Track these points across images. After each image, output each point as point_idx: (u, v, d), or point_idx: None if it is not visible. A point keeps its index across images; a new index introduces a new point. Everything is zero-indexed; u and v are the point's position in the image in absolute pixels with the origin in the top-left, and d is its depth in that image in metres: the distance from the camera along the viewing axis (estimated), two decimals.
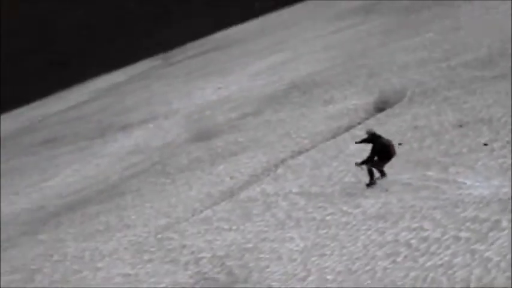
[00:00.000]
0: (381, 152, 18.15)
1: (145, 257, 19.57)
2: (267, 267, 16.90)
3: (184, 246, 19.34)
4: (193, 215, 21.47)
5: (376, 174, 18.74)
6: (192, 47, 46.13)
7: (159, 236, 20.71)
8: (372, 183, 18.60)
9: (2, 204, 29.15)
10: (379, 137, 18.29)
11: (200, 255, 18.56)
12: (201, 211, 21.52)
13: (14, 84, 50.14)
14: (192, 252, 18.86)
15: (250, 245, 18.16)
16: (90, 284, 19.30)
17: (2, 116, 46.09)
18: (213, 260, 18.14)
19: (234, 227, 19.41)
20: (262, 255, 17.48)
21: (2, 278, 21.72)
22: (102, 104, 39.59)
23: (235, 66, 37.39)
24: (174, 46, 47.54)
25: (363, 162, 18.43)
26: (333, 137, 23.92)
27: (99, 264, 20.19)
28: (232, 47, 42.14)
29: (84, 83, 47.20)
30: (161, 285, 17.91)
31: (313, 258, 16.51)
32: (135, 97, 38.39)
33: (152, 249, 19.92)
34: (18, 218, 27.10)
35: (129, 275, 18.94)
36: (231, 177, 23.25)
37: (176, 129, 31.10)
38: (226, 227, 19.63)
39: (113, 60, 48.52)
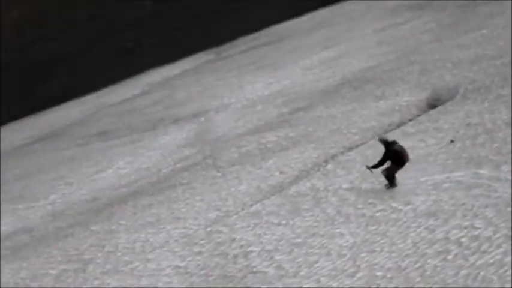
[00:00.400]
0: (394, 158, 18.78)
1: (195, 249, 19.73)
2: (316, 262, 16.92)
3: (233, 240, 19.45)
4: (243, 209, 21.56)
5: (385, 181, 19.10)
6: (245, 42, 46.17)
7: (209, 229, 20.85)
8: (393, 185, 18.99)
9: (56, 194, 29.61)
10: (393, 143, 18.93)
11: (249, 249, 18.65)
12: (251, 205, 21.61)
13: (70, 77, 50.80)
14: (241, 246, 18.96)
15: (299, 240, 18.19)
16: (140, 275, 19.52)
17: (58, 107, 46.73)
18: (262, 253, 18.21)
19: (284, 222, 19.45)
20: (311, 250, 17.50)
21: (55, 267, 22.09)
22: (155, 97, 39.88)
23: (287, 61, 37.33)
24: (226, 40, 47.61)
25: (373, 166, 19.07)
26: (384, 133, 23.77)
27: (150, 256, 20.41)
28: (285, 42, 42.07)
29: (137, 76, 47.58)
30: (211, 278, 18.04)
31: (362, 255, 16.48)
32: (188, 91, 38.58)
33: (202, 241, 20.07)
34: (72, 208, 27.50)
35: (179, 267, 19.13)
36: (281, 172, 23.28)
37: (227, 123, 31.21)
38: (275, 221, 19.68)
39: (166, 53, 48.82)
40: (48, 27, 58.11)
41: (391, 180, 18.99)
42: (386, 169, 18.94)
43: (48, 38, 56.60)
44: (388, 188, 19.08)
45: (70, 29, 56.59)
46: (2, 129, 46.43)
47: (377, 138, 19.63)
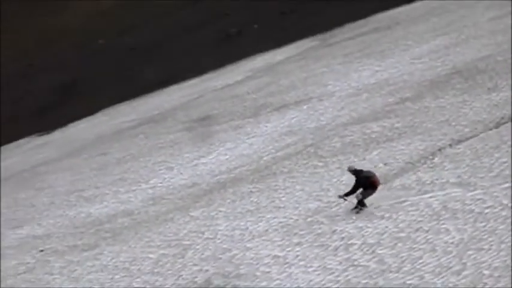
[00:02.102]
0: (365, 184, 19.30)
1: (295, 239, 19.41)
2: (420, 258, 16.43)
3: (334, 232, 19.05)
4: (344, 201, 21.09)
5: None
6: (352, 28, 45.44)
7: (309, 219, 20.50)
8: (361, 207, 19.51)
9: (157, 178, 29.68)
10: (361, 171, 19.54)
11: (350, 242, 18.23)
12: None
13: (170, 62, 51.07)
14: (342, 238, 18.55)
15: (402, 235, 17.68)
16: (239, 263, 19.32)
17: (161, 91, 47.07)
18: (363, 247, 17.76)
19: (387, 215, 18.94)
20: (415, 246, 16.98)
21: (154, 251, 22.16)
22: (258, 83, 39.64)
23: (395, 49, 36.47)
24: (333, 26, 46.93)
25: (346, 194, 19.48)
26: (496, 126, 22.90)
27: (249, 244, 20.19)
28: (394, 29, 41.15)
29: (240, 62, 47.47)
30: (310, 269, 17.68)
31: (469, 252, 15.91)
32: (291, 78, 38.17)
33: (302, 232, 19.72)
34: (172, 193, 27.56)
35: (278, 256, 18.85)
36: (385, 164, 22.72)
37: (331, 111, 30.70)
38: (378, 214, 19.18)
39: (270, 39, 48.52)
40: (148, 11, 58.61)
41: (362, 203, 19.52)
42: (361, 194, 19.41)
43: (149, 23, 57.08)
44: (356, 209, 19.50)
45: (171, 13, 56.87)
46: (102, 112, 47.16)
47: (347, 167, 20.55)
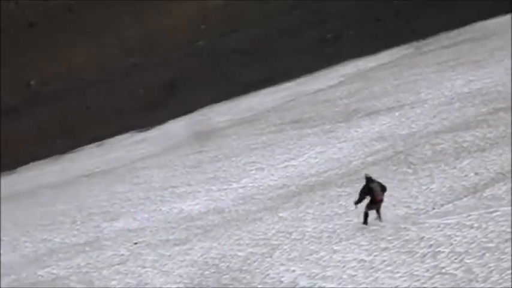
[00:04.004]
0: (368, 195, 19.94)
1: (382, 245, 19.51)
2: (508, 269, 16.31)
3: (422, 239, 19.08)
4: (433, 208, 21.13)
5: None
6: (447, 37, 45.09)
7: (397, 225, 20.57)
8: (365, 223, 20.21)
9: (248, 178, 30.20)
10: (373, 181, 19.87)
11: (438, 249, 18.23)
12: (442, 205, 21.13)
13: (268, 64, 51.50)
14: (430, 246, 18.57)
15: (491, 245, 17.58)
16: (325, 265, 19.56)
17: (256, 93, 47.53)
18: (451, 255, 17.76)
19: (476, 225, 18.87)
20: (503, 257, 16.88)
21: (243, 249, 22.53)
22: (350, 89, 39.74)
23: (490, 59, 36.08)
24: (428, 35, 46.64)
25: (357, 202, 20.34)
26: None
27: (336, 247, 20.39)
28: (490, 39, 40.66)
29: (333, 67, 47.58)
30: (396, 275, 17.79)
31: None
32: (384, 84, 38.15)
33: (389, 238, 19.81)
34: (262, 193, 27.97)
35: (365, 261, 18.98)
36: (476, 173, 22.61)
37: (423, 119, 30.63)
38: (467, 223, 19.13)
39: (365, 46, 48.52)
40: (249, 15, 59.31)
41: (365, 218, 20.12)
42: (366, 206, 20.06)
43: (249, 26, 57.75)
44: (363, 224, 20.19)
45: (270, 17, 57.44)
46: (200, 111, 47.93)
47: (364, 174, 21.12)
